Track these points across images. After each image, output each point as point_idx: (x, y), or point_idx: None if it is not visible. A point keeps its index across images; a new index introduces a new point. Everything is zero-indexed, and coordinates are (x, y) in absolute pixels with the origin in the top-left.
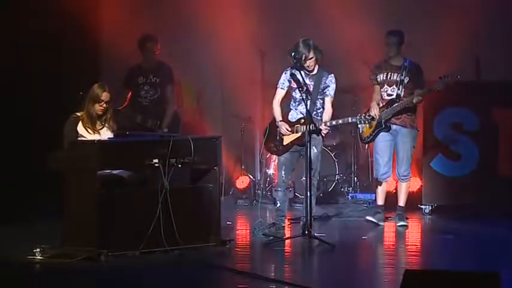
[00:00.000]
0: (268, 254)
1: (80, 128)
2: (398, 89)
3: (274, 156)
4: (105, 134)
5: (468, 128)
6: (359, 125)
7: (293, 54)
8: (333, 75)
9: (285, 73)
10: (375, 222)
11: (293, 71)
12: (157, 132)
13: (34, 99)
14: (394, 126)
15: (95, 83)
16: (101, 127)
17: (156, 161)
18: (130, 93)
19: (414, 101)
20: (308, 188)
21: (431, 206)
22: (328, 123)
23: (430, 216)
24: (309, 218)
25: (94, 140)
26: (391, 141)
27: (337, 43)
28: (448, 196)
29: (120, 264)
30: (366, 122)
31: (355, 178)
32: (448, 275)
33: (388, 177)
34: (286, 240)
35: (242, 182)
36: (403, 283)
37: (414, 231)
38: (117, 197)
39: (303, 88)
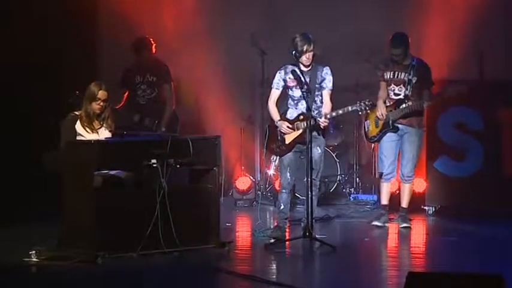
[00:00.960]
0: (269, 256)
1: (78, 127)
2: (406, 89)
3: (274, 156)
4: (103, 133)
5: (472, 128)
6: (365, 123)
7: (293, 51)
8: (328, 67)
9: (279, 73)
10: (380, 226)
11: (294, 68)
12: (155, 131)
13: (34, 99)
14: (400, 126)
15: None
16: (99, 126)
17: (154, 161)
18: (127, 93)
19: (424, 105)
20: (309, 189)
21: (435, 207)
22: (328, 115)
23: (433, 218)
24: (310, 220)
25: (91, 140)
26: (397, 141)
27: (339, 41)
28: (452, 197)
29: (117, 266)
30: (367, 108)
31: (357, 179)
32: (452, 277)
33: (392, 177)
34: (287, 242)
35: (242, 182)
36: (406, 285)
37: (417, 232)
38: (114, 198)
39: (303, 86)
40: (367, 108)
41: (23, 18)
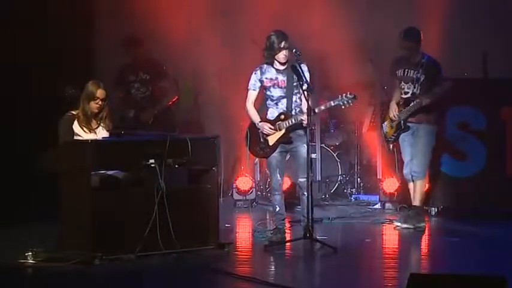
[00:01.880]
0: (268, 258)
1: (76, 127)
2: (414, 87)
3: (256, 159)
4: (101, 133)
5: (475, 127)
6: (382, 125)
7: (266, 48)
8: (304, 64)
9: (255, 74)
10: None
11: (294, 64)
12: (151, 127)
13: (34, 99)
14: (410, 125)
15: (88, 81)
16: (96, 126)
17: (152, 161)
18: (122, 93)
19: (423, 103)
20: (308, 189)
21: (437, 208)
22: (316, 110)
23: (436, 218)
24: (310, 220)
25: (88, 140)
26: (411, 140)
27: (339, 41)
28: (455, 198)
29: (115, 268)
30: (350, 102)
31: (359, 179)
32: (454, 279)
33: (409, 178)
34: (287, 244)
35: (241, 183)
36: (408, 287)
37: (419, 233)
38: (112, 198)
39: (303, 83)
40: (349, 101)
41: (23, 18)
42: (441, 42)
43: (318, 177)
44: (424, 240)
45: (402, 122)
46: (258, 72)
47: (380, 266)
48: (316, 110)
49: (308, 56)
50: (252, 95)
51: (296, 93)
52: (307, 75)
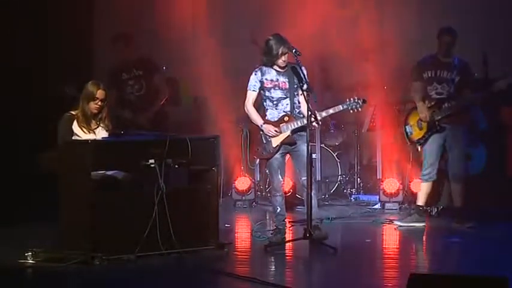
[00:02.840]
0: (268, 258)
1: (75, 127)
2: (450, 88)
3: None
4: (100, 133)
5: (476, 128)
6: (406, 127)
7: (265, 53)
8: (304, 67)
9: (255, 74)
10: (404, 226)
11: (294, 65)
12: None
13: (33, 99)
14: (445, 125)
15: (88, 81)
16: (96, 126)
17: (151, 161)
18: (116, 93)
19: (459, 104)
20: (309, 187)
21: (438, 208)
22: (319, 116)
23: (436, 218)
24: (310, 221)
25: (88, 140)
26: (441, 143)
27: (339, 41)
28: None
29: (114, 268)
30: (358, 106)
31: (359, 179)
32: (455, 279)
33: (431, 178)
34: (287, 244)
35: (241, 183)
36: (408, 287)
37: (420, 233)
38: (111, 198)
39: (303, 83)
40: (357, 106)
41: (23, 17)
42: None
43: (318, 177)
44: (424, 240)
45: (437, 122)
46: (259, 73)
47: (380, 266)
48: (324, 114)
49: (308, 56)
50: (252, 95)
51: (297, 94)
52: (306, 78)
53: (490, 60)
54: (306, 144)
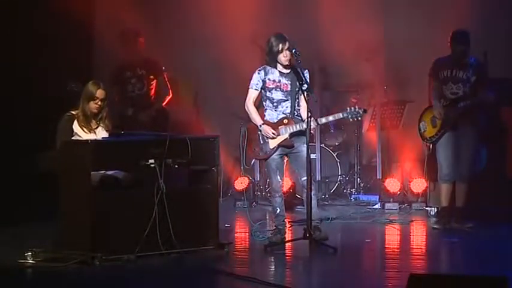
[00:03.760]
0: (268, 258)
1: (76, 127)
2: (465, 87)
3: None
4: (101, 133)
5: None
6: (420, 124)
7: (267, 52)
8: (307, 70)
9: (258, 73)
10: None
11: (295, 66)
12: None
13: (33, 99)
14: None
15: (89, 80)
16: (96, 126)
17: (152, 161)
18: (118, 91)
19: (474, 104)
20: (309, 187)
21: (437, 208)
22: (319, 121)
23: (435, 219)
24: (309, 221)
25: (88, 140)
26: (454, 141)
27: (340, 41)
28: (454, 198)
29: (114, 268)
30: (358, 116)
31: (358, 179)
32: (455, 279)
33: (450, 179)
34: (287, 244)
35: (241, 183)
36: (408, 287)
37: (419, 234)
38: (111, 198)
39: (303, 83)
40: (357, 115)
41: (22, 17)
42: (443, 40)
43: (318, 177)
44: (424, 240)
45: (451, 120)
46: (262, 72)
47: (380, 266)
48: (324, 120)
49: (308, 56)
50: (253, 94)
51: (298, 97)
52: (307, 82)
53: (490, 60)
54: (305, 145)
